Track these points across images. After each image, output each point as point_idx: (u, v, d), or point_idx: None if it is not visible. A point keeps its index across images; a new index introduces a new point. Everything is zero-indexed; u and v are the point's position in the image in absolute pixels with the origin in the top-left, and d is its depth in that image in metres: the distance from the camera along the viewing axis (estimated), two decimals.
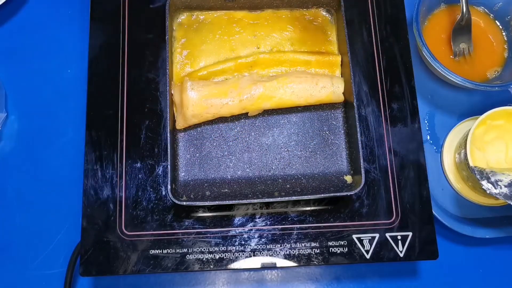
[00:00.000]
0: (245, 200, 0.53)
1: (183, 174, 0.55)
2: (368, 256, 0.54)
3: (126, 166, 0.55)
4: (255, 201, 0.53)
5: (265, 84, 0.56)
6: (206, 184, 0.55)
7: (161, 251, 0.53)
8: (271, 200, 0.53)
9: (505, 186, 0.54)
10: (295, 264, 0.54)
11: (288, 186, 0.55)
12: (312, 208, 0.55)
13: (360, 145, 0.53)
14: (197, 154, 0.56)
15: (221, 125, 0.57)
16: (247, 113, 0.57)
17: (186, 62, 0.58)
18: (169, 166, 0.52)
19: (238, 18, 0.60)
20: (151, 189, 0.55)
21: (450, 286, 0.61)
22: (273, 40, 0.60)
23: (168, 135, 0.53)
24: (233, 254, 0.53)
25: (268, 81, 0.56)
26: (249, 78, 0.56)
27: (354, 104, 0.55)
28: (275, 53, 0.59)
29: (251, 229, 0.54)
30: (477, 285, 0.62)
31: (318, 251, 0.54)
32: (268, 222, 0.55)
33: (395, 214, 0.55)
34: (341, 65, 0.59)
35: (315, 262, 0.54)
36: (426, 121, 0.64)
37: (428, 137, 0.63)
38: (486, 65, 0.66)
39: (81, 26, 0.67)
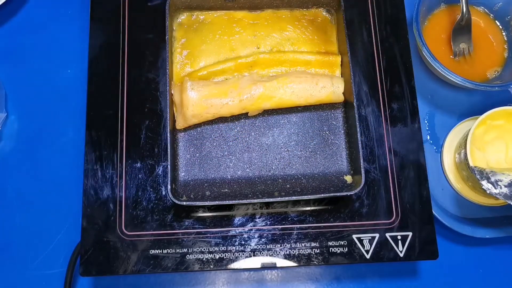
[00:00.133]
0: (245, 200, 0.53)
1: (183, 174, 0.55)
2: (368, 256, 0.54)
3: (126, 166, 0.55)
4: (255, 201, 0.53)
5: (265, 84, 0.56)
6: (206, 184, 0.55)
7: (161, 251, 0.53)
8: (271, 200, 0.53)
9: (505, 186, 0.54)
10: (295, 264, 0.54)
11: (288, 186, 0.55)
12: (312, 208, 0.55)
13: (360, 145, 0.53)
14: (197, 154, 0.56)
15: (221, 125, 0.57)
16: (247, 113, 0.57)
17: (186, 62, 0.58)
18: (169, 166, 0.52)
19: (238, 18, 0.60)
20: (151, 189, 0.55)
21: (450, 286, 0.61)
22: (273, 40, 0.60)
23: (168, 135, 0.53)
24: (233, 254, 0.53)
25: (268, 81, 0.56)
26: (249, 78, 0.56)
27: (354, 104, 0.55)
28: (275, 53, 0.59)
29: (251, 229, 0.54)
30: (477, 285, 0.62)
31: (318, 251, 0.54)
32: (268, 222, 0.55)
33: (395, 214, 0.55)
34: (341, 65, 0.59)
35: (315, 262, 0.54)
36: (426, 121, 0.64)
37: (428, 137, 0.63)
38: (486, 65, 0.65)
39: (81, 26, 0.66)
